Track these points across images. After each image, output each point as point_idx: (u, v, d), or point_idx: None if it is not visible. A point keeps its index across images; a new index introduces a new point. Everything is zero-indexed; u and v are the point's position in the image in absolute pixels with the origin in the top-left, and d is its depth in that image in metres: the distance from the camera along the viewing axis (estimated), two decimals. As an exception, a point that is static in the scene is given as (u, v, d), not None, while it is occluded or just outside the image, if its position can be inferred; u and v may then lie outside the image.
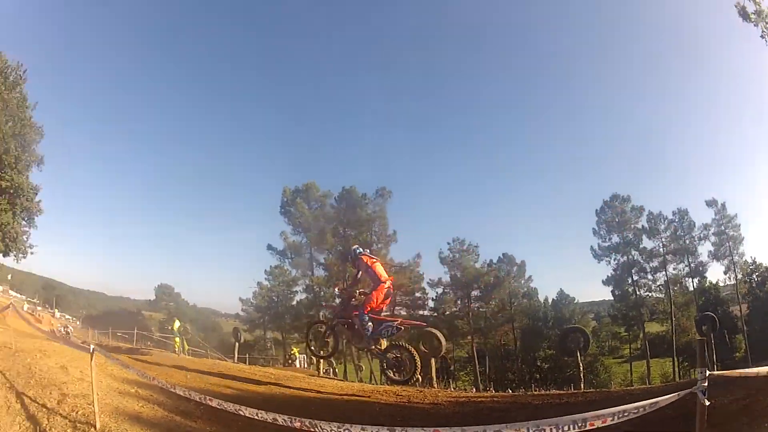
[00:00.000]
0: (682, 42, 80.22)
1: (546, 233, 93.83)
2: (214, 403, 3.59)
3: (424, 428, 2.09)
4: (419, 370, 7.45)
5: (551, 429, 2.09)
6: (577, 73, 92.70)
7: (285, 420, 2.75)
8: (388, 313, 8.41)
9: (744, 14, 17.05)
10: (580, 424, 2.16)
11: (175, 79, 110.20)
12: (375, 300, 7.71)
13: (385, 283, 7.80)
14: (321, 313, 36.09)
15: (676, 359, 39.21)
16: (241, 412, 3.16)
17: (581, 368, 13.31)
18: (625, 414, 2.34)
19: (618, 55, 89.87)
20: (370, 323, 7.66)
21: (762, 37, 16.96)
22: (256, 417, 3.03)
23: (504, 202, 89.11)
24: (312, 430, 2.62)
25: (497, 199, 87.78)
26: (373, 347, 7.90)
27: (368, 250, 8.35)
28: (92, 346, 5.62)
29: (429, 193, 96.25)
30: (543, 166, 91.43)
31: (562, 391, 10.95)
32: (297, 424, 2.68)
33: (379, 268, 7.93)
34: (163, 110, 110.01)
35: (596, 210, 44.95)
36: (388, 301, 8.05)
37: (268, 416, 2.86)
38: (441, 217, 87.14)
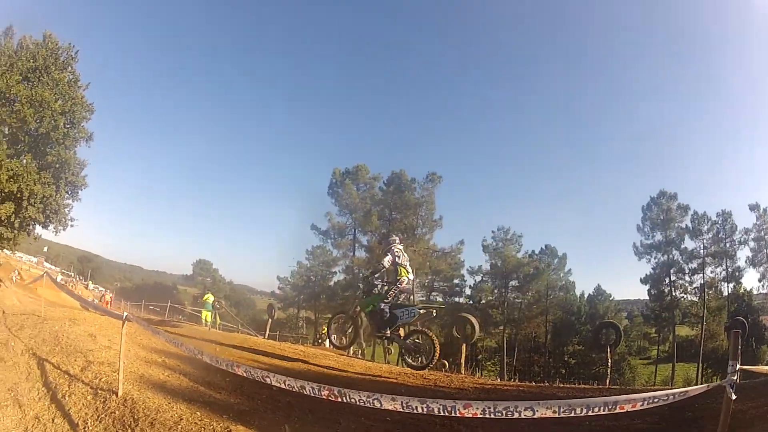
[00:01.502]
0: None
1: (590, 228, 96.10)
2: (240, 370, 3.37)
3: (456, 401, 2.08)
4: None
5: (582, 409, 2.06)
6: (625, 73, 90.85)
7: (313, 388, 2.62)
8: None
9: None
10: (611, 406, 2.13)
11: (231, 59, 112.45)
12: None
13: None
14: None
15: (701, 365, 38.05)
16: (267, 380, 3.04)
17: (609, 364, 12.90)
18: (655, 400, 2.29)
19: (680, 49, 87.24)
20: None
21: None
22: (282, 385, 2.86)
23: (551, 196, 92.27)
24: (340, 398, 2.59)
25: (545, 193, 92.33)
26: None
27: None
28: (125, 314, 5.60)
29: (478, 183, 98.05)
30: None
31: (587, 386, 10.74)
32: (325, 393, 2.60)
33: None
34: (210, 88, 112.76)
35: (642, 206, 43.79)
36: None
37: (296, 384, 2.75)
38: (488, 207, 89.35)
